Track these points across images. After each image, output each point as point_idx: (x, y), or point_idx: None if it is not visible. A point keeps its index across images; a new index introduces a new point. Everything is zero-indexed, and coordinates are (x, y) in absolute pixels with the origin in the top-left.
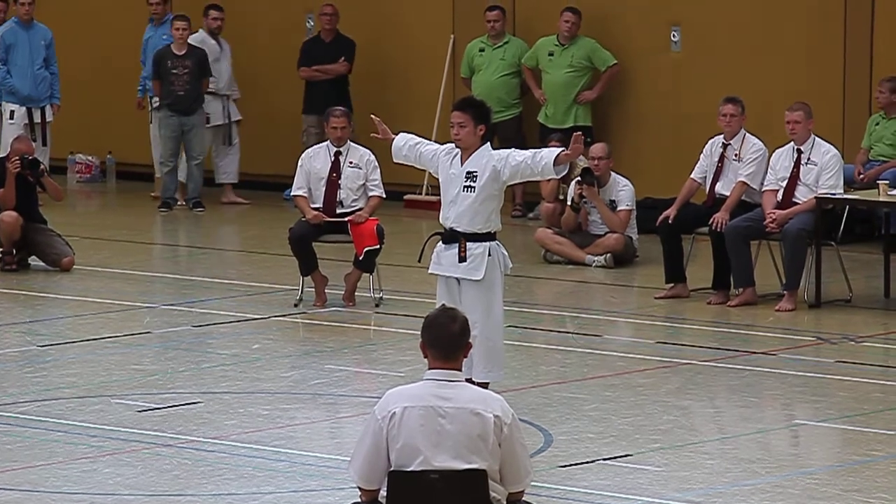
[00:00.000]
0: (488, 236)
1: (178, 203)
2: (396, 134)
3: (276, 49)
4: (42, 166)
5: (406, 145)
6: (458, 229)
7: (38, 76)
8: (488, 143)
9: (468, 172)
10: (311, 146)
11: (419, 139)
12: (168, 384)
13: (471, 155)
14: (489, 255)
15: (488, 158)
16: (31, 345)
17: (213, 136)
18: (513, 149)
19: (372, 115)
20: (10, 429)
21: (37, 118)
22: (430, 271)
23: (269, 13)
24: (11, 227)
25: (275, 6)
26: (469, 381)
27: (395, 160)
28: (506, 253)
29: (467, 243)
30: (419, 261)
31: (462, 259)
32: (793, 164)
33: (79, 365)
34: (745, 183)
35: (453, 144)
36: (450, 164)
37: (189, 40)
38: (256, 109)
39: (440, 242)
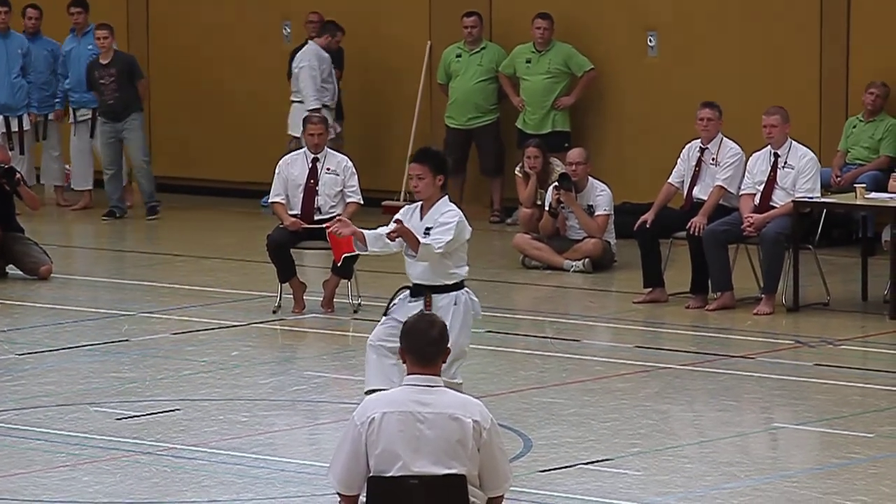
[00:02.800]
0: (456, 286)
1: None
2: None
3: (257, 55)
4: (18, 175)
5: (376, 241)
6: (424, 283)
7: (15, 85)
8: (446, 197)
9: (426, 229)
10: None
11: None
12: (147, 392)
13: (430, 208)
14: (454, 304)
15: (440, 215)
16: (8, 353)
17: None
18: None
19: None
20: None
21: (14, 127)
22: (391, 316)
23: (248, 19)
24: None
25: (252, 13)
26: None
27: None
28: (476, 300)
29: (433, 296)
30: (385, 314)
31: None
32: (770, 167)
33: (57, 373)
34: (722, 187)
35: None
36: (409, 218)
37: (308, 53)
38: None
39: (408, 293)
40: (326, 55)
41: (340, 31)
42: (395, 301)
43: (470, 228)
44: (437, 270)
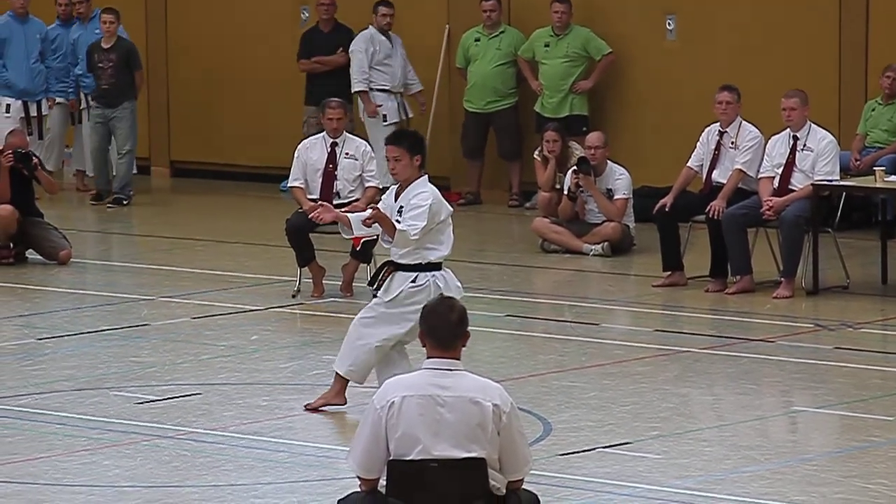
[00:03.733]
0: (420, 267)
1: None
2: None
3: (276, 39)
4: (35, 160)
5: (361, 225)
6: (397, 262)
7: (34, 70)
8: (425, 177)
9: (399, 208)
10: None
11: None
12: (166, 376)
13: (406, 188)
14: (412, 281)
15: (413, 196)
16: (29, 338)
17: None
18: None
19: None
20: (9, 422)
21: (33, 112)
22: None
23: (266, 3)
24: (7, 221)
25: None
26: None
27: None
28: (457, 285)
29: (395, 273)
30: (370, 286)
31: (377, 285)
32: (789, 150)
33: (77, 357)
34: (741, 171)
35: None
36: (387, 198)
37: (359, 37)
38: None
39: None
40: (382, 38)
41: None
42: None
43: (450, 208)
44: (407, 250)
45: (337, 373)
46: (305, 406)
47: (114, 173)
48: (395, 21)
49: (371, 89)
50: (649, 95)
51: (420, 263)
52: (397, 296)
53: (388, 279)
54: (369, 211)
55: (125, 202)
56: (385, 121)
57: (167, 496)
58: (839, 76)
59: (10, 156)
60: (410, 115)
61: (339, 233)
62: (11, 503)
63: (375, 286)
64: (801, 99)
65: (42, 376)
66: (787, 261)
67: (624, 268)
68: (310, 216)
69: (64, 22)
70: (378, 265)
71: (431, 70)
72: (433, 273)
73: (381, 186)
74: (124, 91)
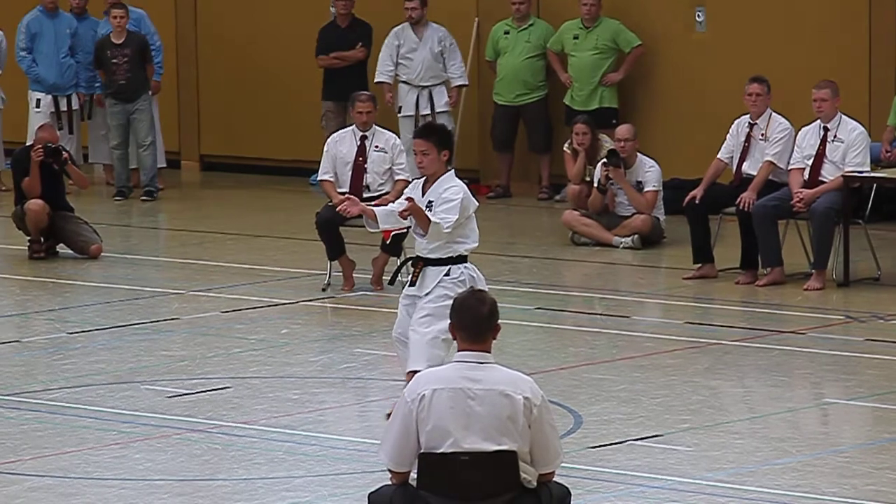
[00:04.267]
0: (451, 260)
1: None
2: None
3: (305, 33)
4: (65, 154)
5: (387, 218)
6: (426, 256)
7: (64, 64)
8: (452, 171)
9: (428, 203)
10: (335, 131)
11: (393, 207)
12: (197, 370)
13: (433, 183)
14: (446, 274)
15: (444, 190)
16: (60, 332)
17: (407, 127)
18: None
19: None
20: (40, 416)
21: (63, 106)
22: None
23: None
24: (38, 216)
25: None
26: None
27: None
28: (481, 276)
29: (426, 267)
30: (391, 283)
31: (412, 283)
32: (819, 141)
33: (108, 351)
34: (771, 162)
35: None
36: (413, 193)
37: (391, 31)
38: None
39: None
40: (410, 32)
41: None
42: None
43: (476, 202)
44: (437, 244)
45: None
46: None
47: (133, 166)
48: (425, 14)
49: (397, 82)
50: (679, 87)
51: (451, 257)
52: (433, 290)
53: (420, 275)
54: (396, 203)
55: (156, 194)
56: (399, 112)
57: (198, 490)
58: (869, 67)
59: (41, 151)
60: (438, 110)
61: None
62: (42, 497)
63: (392, 282)
64: (831, 90)
65: (73, 370)
66: (818, 252)
67: (654, 260)
68: (336, 210)
69: (77, 15)
70: (400, 261)
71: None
72: (465, 265)
73: (411, 179)
74: (142, 84)
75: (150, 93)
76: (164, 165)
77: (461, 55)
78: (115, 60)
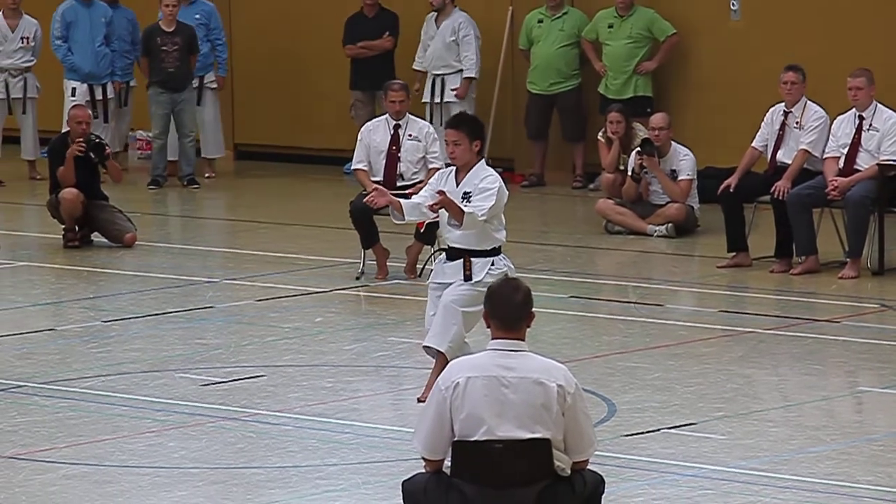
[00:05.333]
0: (493, 252)
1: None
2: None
3: (338, 23)
4: (107, 149)
5: (413, 210)
6: (461, 247)
7: (99, 53)
8: (483, 161)
9: (464, 193)
10: (366, 121)
11: (419, 199)
12: (231, 358)
13: (466, 174)
14: (491, 265)
15: (480, 180)
16: (94, 320)
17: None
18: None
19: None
20: (75, 404)
21: (98, 95)
22: (431, 281)
23: None
24: (73, 205)
25: None
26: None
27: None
28: (512, 266)
29: (472, 259)
30: (419, 275)
31: (468, 277)
32: (854, 130)
33: (142, 340)
34: (806, 151)
35: (446, 166)
36: (444, 184)
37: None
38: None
39: (443, 256)
40: (432, 20)
41: None
42: (432, 266)
43: (507, 192)
44: (479, 235)
45: (438, 351)
46: (418, 399)
47: (171, 158)
48: (447, 3)
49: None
50: (713, 76)
51: (495, 248)
52: (482, 279)
53: (469, 267)
54: (422, 195)
55: (198, 181)
56: (421, 99)
57: (232, 478)
58: None
59: (83, 145)
60: (446, 100)
61: None
62: (77, 484)
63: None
64: (867, 78)
65: (108, 359)
66: (853, 241)
67: (688, 249)
68: (364, 200)
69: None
70: (432, 253)
71: (495, 52)
72: (502, 256)
73: (443, 168)
74: (188, 74)
75: (192, 83)
76: (222, 155)
77: (476, 47)
78: (164, 48)
